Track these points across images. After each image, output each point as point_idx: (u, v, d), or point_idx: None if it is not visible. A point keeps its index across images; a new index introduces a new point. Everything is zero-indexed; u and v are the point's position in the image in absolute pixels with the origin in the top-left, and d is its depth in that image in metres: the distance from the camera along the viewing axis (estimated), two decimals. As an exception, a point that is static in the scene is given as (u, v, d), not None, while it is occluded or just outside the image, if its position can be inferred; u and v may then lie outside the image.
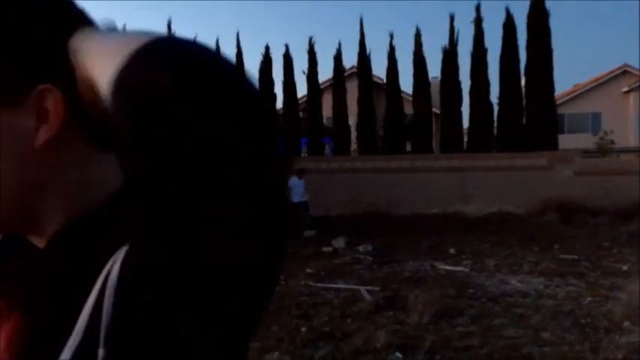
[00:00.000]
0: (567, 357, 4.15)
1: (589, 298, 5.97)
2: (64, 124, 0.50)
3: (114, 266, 0.44)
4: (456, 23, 16.31)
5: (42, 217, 0.52)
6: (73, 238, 0.50)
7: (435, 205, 14.20)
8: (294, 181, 12.28)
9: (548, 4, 15.58)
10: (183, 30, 39.41)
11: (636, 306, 4.99)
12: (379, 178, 14.87)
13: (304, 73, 17.45)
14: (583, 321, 5.09)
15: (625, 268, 7.62)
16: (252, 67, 23.73)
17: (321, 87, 18.36)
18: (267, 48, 17.69)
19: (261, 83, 17.59)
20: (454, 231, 11.49)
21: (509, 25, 15.90)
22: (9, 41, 0.48)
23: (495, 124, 16.20)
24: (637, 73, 29.41)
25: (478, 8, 16.14)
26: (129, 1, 57.62)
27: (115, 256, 0.45)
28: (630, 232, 10.42)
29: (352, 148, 17.69)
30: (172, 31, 17.86)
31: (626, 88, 29.11)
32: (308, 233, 11.65)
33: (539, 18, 15.57)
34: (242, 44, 18.00)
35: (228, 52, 19.66)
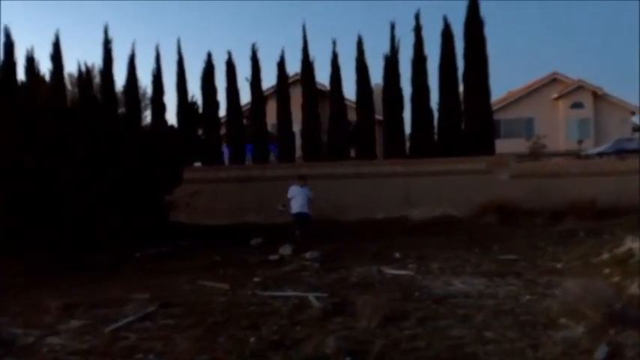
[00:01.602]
0: (509, 354, 4.30)
1: (527, 296, 6.22)
2: None
3: None
4: (396, 31, 16.69)
5: None
6: None
7: (380, 211, 14.42)
8: (295, 191, 11.44)
9: (483, 13, 16.25)
10: (121, 36, 38.22)
11: (571, 302, 5.23)
12: (324, 184, 14.93)
13: (248, 80, 17.34)
14: (523, 318, 5.29)
15: (559, 266, 8.00)
16: (194, 74, 23.31)
17: (265, 94, 18.30)
18: (209, 55, 17.48)
19: (204, 90, 17.33)
20: (399, 235, 11.70)
21: (447, 34, 16.43)
22: None
23: (436, 130, 16.65)
24: (566, 80, 31.09)
25: (417, 17, 16.58)
26: (63, 1, 55.38)
27: None
28: (563, 232, 10.97)
29: (297, 155, 17.70)
30: (109, 37, 17.33)
31: (556, 95, 30.69)
32: (254, 241, 11.53)
33: (475, 27, 16.17)
34: (183, 51, 17.66)
35: (170, 58, 19.25)
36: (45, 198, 8.84)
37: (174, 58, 17.62)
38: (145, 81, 41.73)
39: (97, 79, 19.99)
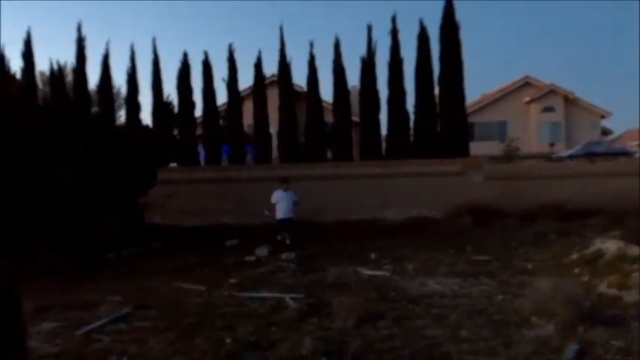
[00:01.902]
0: (482, 353, 4.37)
1: (500, 296, 6.33)
2: None
3: None
4: (373, 34, 16.79)
5: None
6: None
7: (356, 212, 14.48)
8: (279, 195, 10.96)
9: (459, 18, 16.47)
10: (95, 35, 37.73)
11: (542, 301, 5.35)
12: (301, 185, 14.93)
13: (224, 80, 17.25)
14: (496, 318, 5.39)
15: (531, 266, 8.16)
16: (170, 74, 23.07)
17: (242, 95, 18.22)
18: (185, 55, 17.33)
19: (180, 90, 17.18)
20: (375, 236, 11.78)
21: (423, 37, 16.59)
22: None
23: (412, 132, 16.80)
24: (538, 84, 31.74)
25: (394, 20, 16.71)
26: (36, 1, 54.33)
27: None
28: (535, 233, 11.19)
29: (274, 156, 17.67)
30: (82, 35, 17.05)
31: (528, 99, 31.31)
32: (230, 242, 11.48)
33: (450, 31, 16.38)
34: (159, 50, 17.47)
35: (145, 58, 19.08)
36: (43, 198, 8.65)
37: (150, 57, 17.45)
38: (119, 80, 41.10)
39: (69, 78, 19.64)
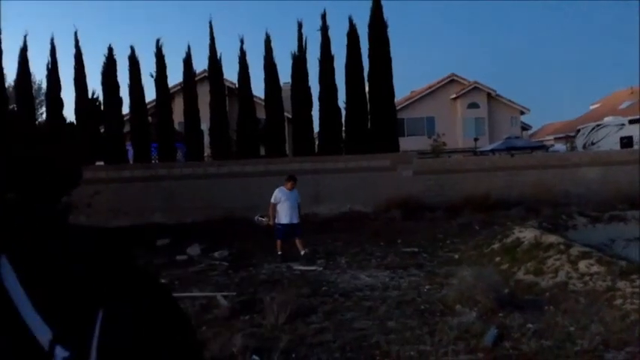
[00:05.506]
0: (409, 341, 4.54)
1: (427, 286, 6.59)
2: None
3: None
4: (304, 30, 16.85)
5: None
6: None
7: (289, 208, 14.52)
8: (281, 195, 9.29)
9: (386, 16, 16.84)
10: (11, 27, 35.49)
11: (465, 290, 5.62)
12: (234, 182, 14.85)
13: (152, 76, 16.75)
14: (422, 307, 5.61)
15: (456, 256, 8.53)
16: (94, 69, 22.05)
17: (171, 91, 17.78)
18: (110, 49, 16.65)
19: (105, 86, 16.53)
20: (308, 231, 11.84)
21: (352, 35, 16.83)
22: None
23: (344, 128, 17.03)
24: (463, 81, 33.01)
25: (324, 17, 16.85)
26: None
27: None
28: (460, 225, 11.68)
29: (206, 153, 17.38)
30: (-3, 27, 16.01)
31: (454, 95, 32.50)
32: (161, 242, 11.20)
33: (378, 29, 16.72)
34: (81, 44, 16.69)
35: (65, 52, 18.19)
36: None
37: (72, 51, 16.64)
38: (39, 76, 38.93)
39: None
